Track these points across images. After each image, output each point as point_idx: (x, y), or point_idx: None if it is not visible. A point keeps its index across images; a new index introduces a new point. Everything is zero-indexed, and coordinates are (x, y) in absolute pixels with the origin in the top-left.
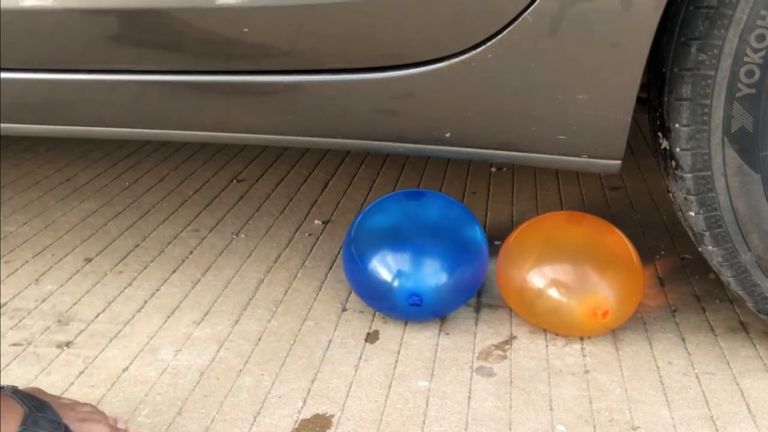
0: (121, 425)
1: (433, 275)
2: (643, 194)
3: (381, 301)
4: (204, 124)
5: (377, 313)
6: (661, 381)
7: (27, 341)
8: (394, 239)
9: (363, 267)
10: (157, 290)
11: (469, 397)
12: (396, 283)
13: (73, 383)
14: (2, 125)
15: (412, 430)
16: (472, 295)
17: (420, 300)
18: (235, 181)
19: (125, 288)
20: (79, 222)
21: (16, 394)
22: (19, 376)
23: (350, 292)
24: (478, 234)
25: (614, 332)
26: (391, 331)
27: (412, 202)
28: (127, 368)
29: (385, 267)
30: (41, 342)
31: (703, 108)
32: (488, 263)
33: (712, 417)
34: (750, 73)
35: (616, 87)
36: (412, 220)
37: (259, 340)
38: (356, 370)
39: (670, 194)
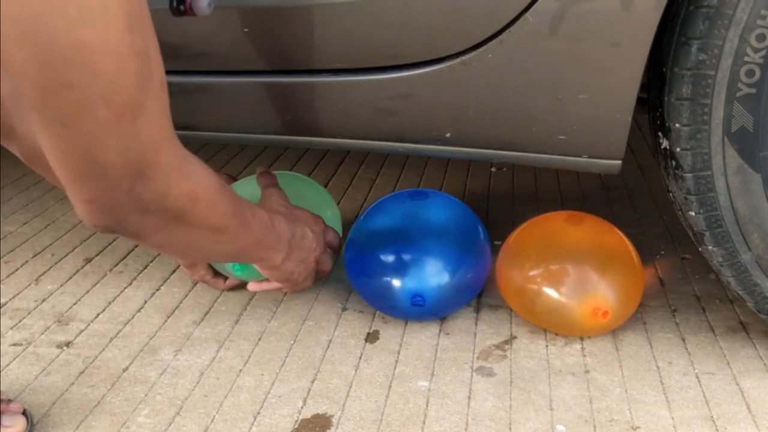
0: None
1: (435, 276)
2: (643, 194)
3: (382, 300)
4: (204, 124)
5: (377, 313)
6: (661, 381)
7: (27, 341)
8: (398, 239)
9: (365, 265)
10: (157, 290)
11: (469, 397)
12: (398, 283)
13: (73, 383)
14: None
15: (412, 430)
16: (474, 296)
17: (423, 300)
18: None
19: (125, 288)
20: (79, 222)
21: None
22: (19, 376)
23: (350, 292)
24: (481, 235)
25: (614, 332)
26: (391, 331)
27: (416, 202)
28: (127, 368)
29: (388, 266)
30: (41, 342)
31: (703, 108)
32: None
33: (712, 417)
34: (750, 73)
35: (616, 87)
36: (415, 220)
37: (259, 340)
38: (356, 370)
39: (670, 194)
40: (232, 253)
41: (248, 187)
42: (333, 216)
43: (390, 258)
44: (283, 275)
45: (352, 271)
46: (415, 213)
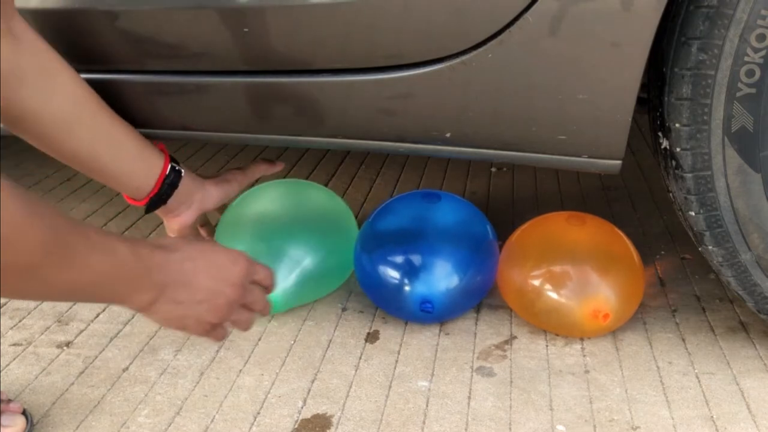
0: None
1: (444, 280)
2: (643, 194)
3: (390, 302)
4: (204, 124)
5: (377, 313)
6: (661, 381)
7: (27, 341)
8: (408, 241)
9: (374, 267)
10: None
11: (469, 397)
12: (408, 287)
13: (73, 383)
14: (2, 125)
15: (412, 430)
16: (480, 300)
17: (432, 307)
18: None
19: None
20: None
21: None
22: (19, 376)
23: (350, 292)
24: (490, 239)
25: (614, 332)
26: (391, 331)
27: (427, 204)
28: (127, 368)
29: (397, 269)
30: (41, 342)
31: (703, 108)
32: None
33: (712, 417)
34: (750, 73)
35: (616, 87)
36: (426, 223)
37: (259, 340)
38: (356, 370)
39: (670, 194)
40: (62, 293)
41: (272, 191)
42: (350, 226)
43: (400, 261)
44: (162, 320)
45: (361, 272)
46: (426, 215)
